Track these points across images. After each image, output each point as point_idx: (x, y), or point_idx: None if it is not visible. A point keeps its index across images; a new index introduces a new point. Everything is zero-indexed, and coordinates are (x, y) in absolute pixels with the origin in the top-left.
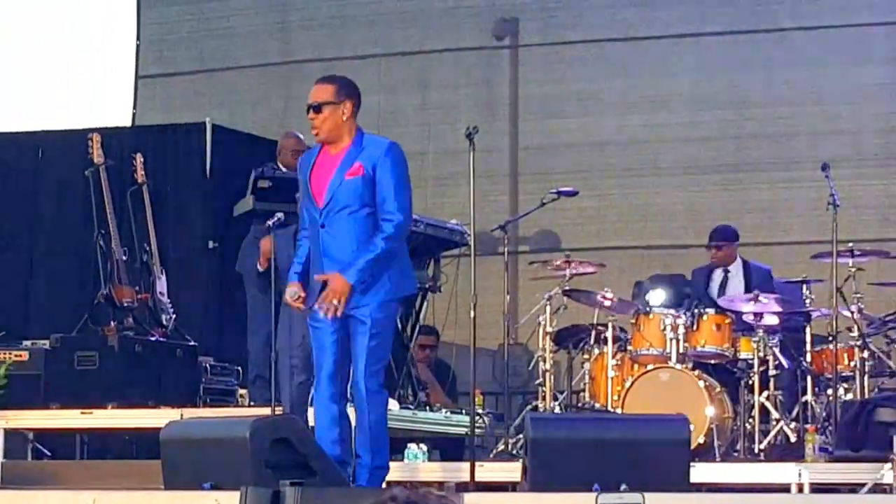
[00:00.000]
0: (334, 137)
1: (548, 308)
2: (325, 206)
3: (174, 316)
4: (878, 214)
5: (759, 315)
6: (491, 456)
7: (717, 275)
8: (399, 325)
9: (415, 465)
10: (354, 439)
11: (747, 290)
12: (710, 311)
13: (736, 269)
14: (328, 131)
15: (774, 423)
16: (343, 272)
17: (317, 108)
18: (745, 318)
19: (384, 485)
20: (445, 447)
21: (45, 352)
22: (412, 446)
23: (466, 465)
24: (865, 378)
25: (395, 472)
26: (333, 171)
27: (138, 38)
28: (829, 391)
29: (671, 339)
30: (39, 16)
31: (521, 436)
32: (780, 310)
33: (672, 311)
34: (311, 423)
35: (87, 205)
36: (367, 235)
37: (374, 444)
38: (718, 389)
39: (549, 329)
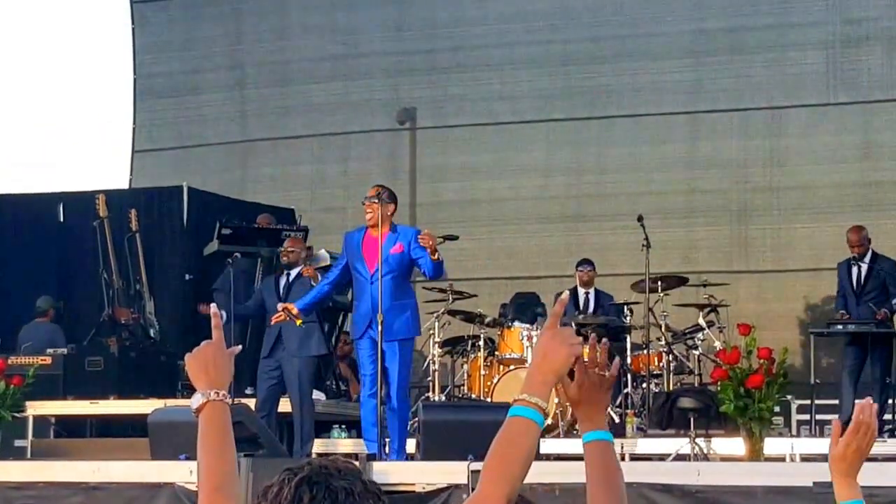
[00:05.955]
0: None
1: (436, 323)
2: (374, 272)
3: (159, 330)
4: (680, 254)
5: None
6: None
7: (581, 296)
8: (327, 336)
9: (337, 441)
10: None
11: (597, 309)
12: None
13: (592, 293)
14: (376, 219)
15: None
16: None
17: (372, 200)
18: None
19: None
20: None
21: (64, 357)
22: (336, 427)
23: None
24: (671, 375)
25: (321, 446)
26: (379, 248)
27: (134, 122)
28: (644, 385)
29: (527, 347)
30: (52, 105)
31: (416, 419)
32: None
33: (528, 326)
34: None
35: (95, 247)
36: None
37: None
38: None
39: (437, 339)
